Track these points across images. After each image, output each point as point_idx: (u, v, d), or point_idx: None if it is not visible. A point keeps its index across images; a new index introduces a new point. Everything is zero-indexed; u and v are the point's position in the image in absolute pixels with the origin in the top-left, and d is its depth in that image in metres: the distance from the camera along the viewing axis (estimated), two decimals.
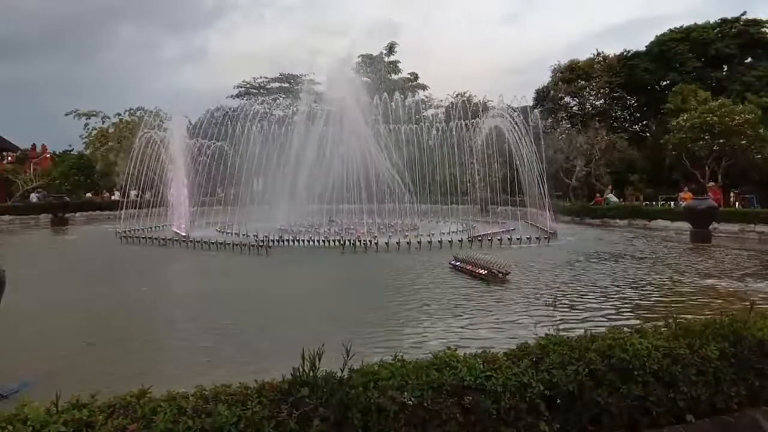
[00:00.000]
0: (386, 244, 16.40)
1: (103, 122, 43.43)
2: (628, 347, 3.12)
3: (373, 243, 16.51)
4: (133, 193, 38.84)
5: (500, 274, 10.64)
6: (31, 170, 43.39)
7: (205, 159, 26.88)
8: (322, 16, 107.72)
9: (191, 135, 32.92)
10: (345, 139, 21.73)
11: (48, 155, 52.23)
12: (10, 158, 50.95)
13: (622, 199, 32.63)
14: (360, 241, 16.65)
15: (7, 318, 4.71)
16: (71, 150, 49.27)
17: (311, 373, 2.54)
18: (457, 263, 12.16)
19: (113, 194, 41.24)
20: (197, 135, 28.58)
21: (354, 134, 21.57)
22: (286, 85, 53.39)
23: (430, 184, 27.53)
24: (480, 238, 17.89)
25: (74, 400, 2.28)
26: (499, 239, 17.89)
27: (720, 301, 8.72)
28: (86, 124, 43.49)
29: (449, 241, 16.82)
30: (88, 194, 43.94)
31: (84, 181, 43.59)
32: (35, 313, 8.06)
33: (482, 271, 10.93)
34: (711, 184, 28.19)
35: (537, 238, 18.01)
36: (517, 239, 17.77)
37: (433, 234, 17.63)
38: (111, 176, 40.18)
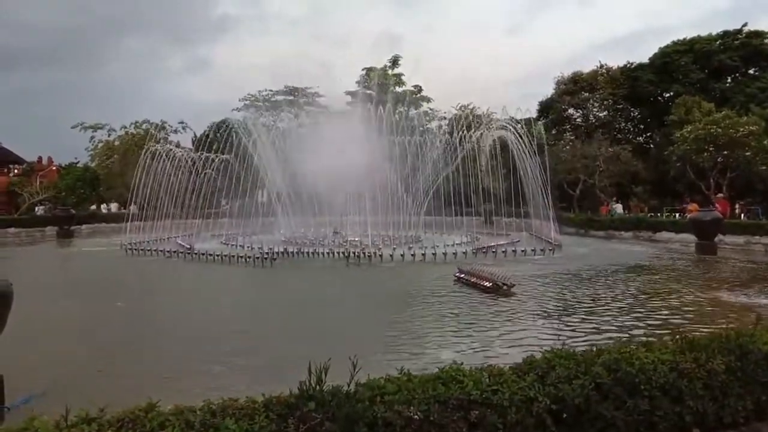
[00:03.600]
0: (390, 256, 16.39)
1: (109, 135, 43.77)
2: (635, 361, 3.12)
3: (377, 255, 16.51)
4: (113, 206, 38.91)
5: (505, 286, 10.61)
6: (37, 183, 43.54)
7: (210, 171, 27.00)
8: (326, 29, 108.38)
9: (196, 147, 33.17)
10: (349, 151, 21.81)
11: (54, 168, 52.42)
12: (16, 171, 51.25)
13: (626, 211, 32.55)
14: (364, 253, 16.65)
15: (15, 331, 4.74)
16: (77, 162, 49.54)
17: (318, 387, 2.55)
18: (462, 275, 12.13)
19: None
20: (202, 147, 28.78)
21: (358, 146, 21.65)
22: (291, 97, 53.65)
23: (434, 195, 27.53)
24: (484, 250, 17.87)
25: (83, 414, 2.29)
26: (503, 251, 17.86)
27: (727, 314, 8.67)
28: (92, 137, 43.85)
29: (453, 253, 16.79)
30: (93, 207, 44.04)
31: (90, 194, 43.79)
32: (42, 326, 8.08)
33: (487, 284, 10.91)
34: (720, 195, 28.09)
35: (542, 250, 17.99)
36: (522, 251, 17.75)
37: (437, 246, 17.62)
38: (116, 189, 40.36)
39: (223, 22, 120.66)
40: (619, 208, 32.15)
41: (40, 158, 54.45)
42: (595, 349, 3.30)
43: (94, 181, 43.07)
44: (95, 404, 2.41)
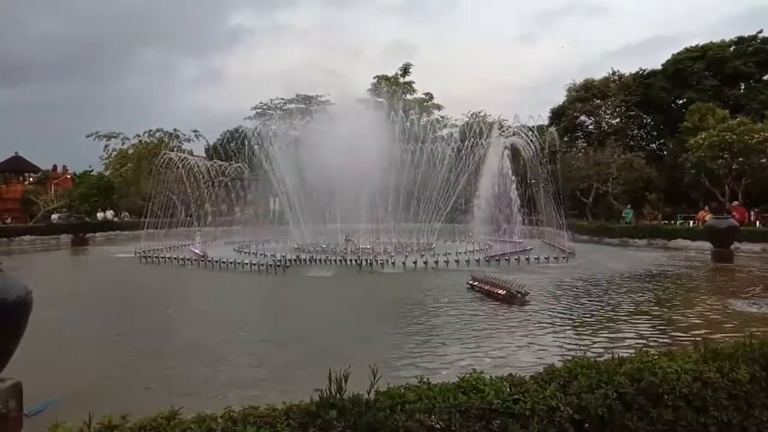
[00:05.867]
0: (403, 263, 16.37)
1: (123, 143, 44.30)
2: (657, 370, 3.07)
3: (389, 263, 16.49)
4: (109, 213, 39.09)
5: (520, 295, 10.53)
6: (52, 191, 44.08)
7: (223, 179, 27.18)
8: (338, 39, 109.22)
9: (209, 156, 33.44)
10: (361, 159, 21.86)
11: (68, 176, 53.08)
12: (31, 179, 51.96)
13: (633, 218, 32.23)
14: (376, 260, 16.64)
15: (33, 338, 4.79)
16: (91, 170, 50.15)
17: (338, 395, 2.54)
18: (475, 283, 12.08)
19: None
20: (215, 155, 29.03)
21: (370, 154, 21.69)
22: (303, 105, 53.99)
23: (445, 203, 27.50)
24: (497, 258, 17.78)
25: (106, 422, 2.29)
26: (516, 259, 17.77)
27: (749, 323, 8.55)
28: (106, 146, 44.40)
29: (466, 261, 16.74)
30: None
31: (103, 202, 44.24)
32: (59, 333, 8.14)
33: (501, 292, 10.83)
34: (736, 202, 27.79)
35: (555, 258, 17.87)
36: (535, 259, 17.64)
37: (449, 253, 17.57)
38: (129, 197, 40.72)
39: (235, 33, 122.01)
40: (630, 212, 32.04)
41: (55, 167, 55.18)
42: (616, 358, 3.26)
43: (108, 189, 43.55)
44: (114, 411, 2.42)
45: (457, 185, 26.46)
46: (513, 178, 25.92)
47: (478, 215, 26.10)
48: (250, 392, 5.16)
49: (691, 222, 30.25)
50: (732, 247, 18.51)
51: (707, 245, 19.24)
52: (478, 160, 25.99)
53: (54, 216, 37.50)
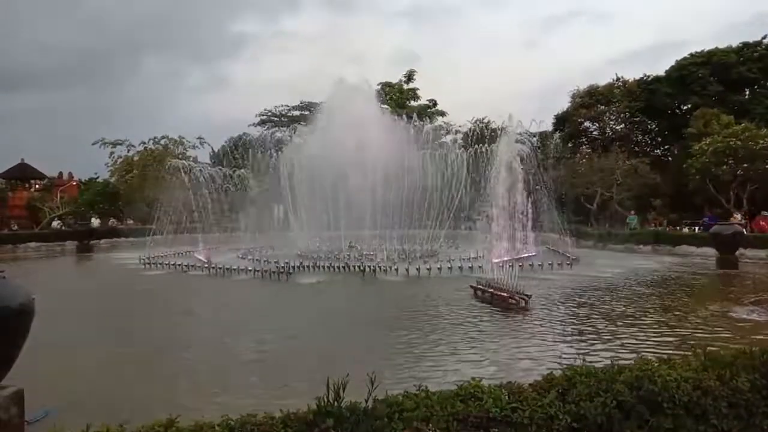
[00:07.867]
0: (406, 270, 16.35)
1: (128, 150, 44.44)
2: (657, 378, 3.06)
3: (392, 269, 16.47)
4: (95, 221, 39.09)
5: (523, 301, 10.52)
6: (58, 198, 44.18)
7: (227, 186, 27.23)
8: (343, 45, 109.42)
9: (214, 162, 33.57)
10: (364, 164, 21.91)
11: (74, 183, 53.23)
12: (37, 186, 52.16)
13: (637, 224, 32.05)
14: (380, 267, 16.63)
15: (35, 345, 4.81)
16: (97, 177, 50.25)
17: (336, 404, 2.54)
18: (479, 289, 12.06)
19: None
20: (220, 162, 29.13)
21: (373, 160, 21.73)
22: (307, 112, 54.16)
23: (448, 209, 27.47)
24: (500, 264, 17.71)
25: (105, 429, 2.30)
26: (520, 265, 17.68)
27: (751, 330, 8.50)
28: (112, 153, 44.53)
29: (469, 267, 16.70)
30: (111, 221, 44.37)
31: (109, 209, 44.31)
32: (62, 340, 8.17)
33: (504, 295, 10.82)
34: (765, 212, 27.46)
35: (559, 264, 17.81)
36: (539, 265, 17.59)
37: (452, 260, 17.53)
38: (134, 203, 40.76)
39: (240, 40, 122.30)
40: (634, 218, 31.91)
41: (60, 173, 55.31)
42: (616, 366, 3.25)
43: (114, 195, 43.67)
44: (114, 418, 2.43)
45: (462, 191, 26.47)
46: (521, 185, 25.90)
47: (483, 221, 26.01)
48: (247, 401, 5.15)
49: (696, 228, 30.05)
50: (737, 253, 18.41)
51: (712, 251, 19.15)
52: (481, 166, 25.98)
53: (54, 223, 37.55)
